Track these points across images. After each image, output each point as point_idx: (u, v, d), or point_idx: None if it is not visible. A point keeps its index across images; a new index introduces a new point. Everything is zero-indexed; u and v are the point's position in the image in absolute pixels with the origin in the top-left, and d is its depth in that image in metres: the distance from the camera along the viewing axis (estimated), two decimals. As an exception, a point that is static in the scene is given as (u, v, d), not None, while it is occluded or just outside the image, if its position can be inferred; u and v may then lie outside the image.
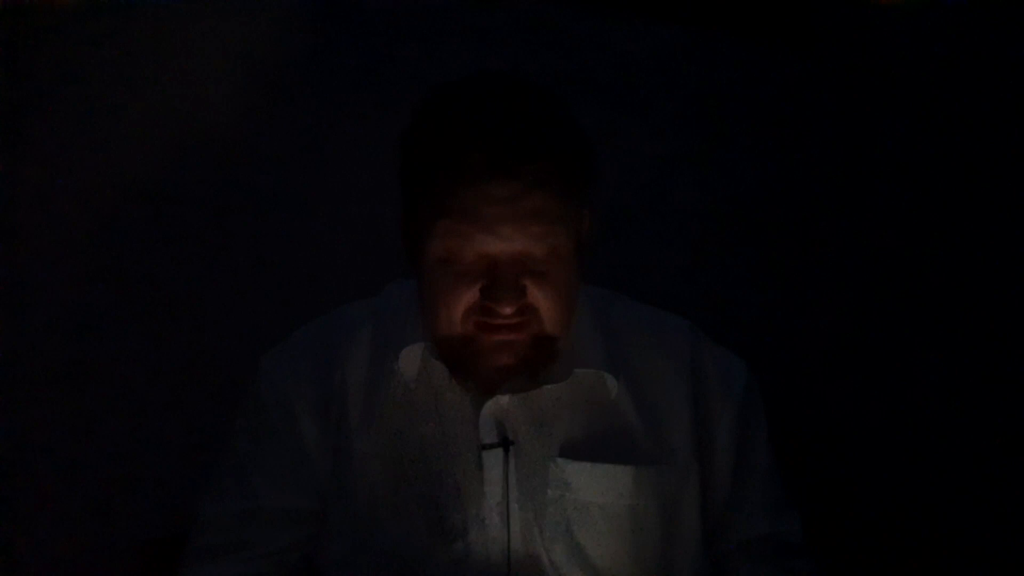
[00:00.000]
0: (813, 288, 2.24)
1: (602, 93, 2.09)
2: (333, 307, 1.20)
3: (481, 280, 0.99)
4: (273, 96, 1.85)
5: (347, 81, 1.90)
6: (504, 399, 1.07)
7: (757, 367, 1.19)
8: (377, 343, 1.13)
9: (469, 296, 1.00)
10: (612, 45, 2.12)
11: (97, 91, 1.72)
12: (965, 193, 2.02)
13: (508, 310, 0.99)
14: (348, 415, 1.11)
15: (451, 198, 0.97)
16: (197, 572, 1.12)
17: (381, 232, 1.34)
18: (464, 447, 1.08)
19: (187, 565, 1.13)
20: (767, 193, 2.27)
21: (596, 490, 1.08)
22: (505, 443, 1.07)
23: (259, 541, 1.11)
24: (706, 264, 2.21)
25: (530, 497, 1.07)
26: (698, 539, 1.12)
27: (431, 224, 1.00)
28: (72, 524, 1.68)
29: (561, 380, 1.08)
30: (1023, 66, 1.93)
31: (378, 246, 1.46)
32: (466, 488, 1.07)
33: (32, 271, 1.68)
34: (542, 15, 2.04)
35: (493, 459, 1.07)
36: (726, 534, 1.14)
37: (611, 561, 1.08)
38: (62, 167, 1.70)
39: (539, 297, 1.00)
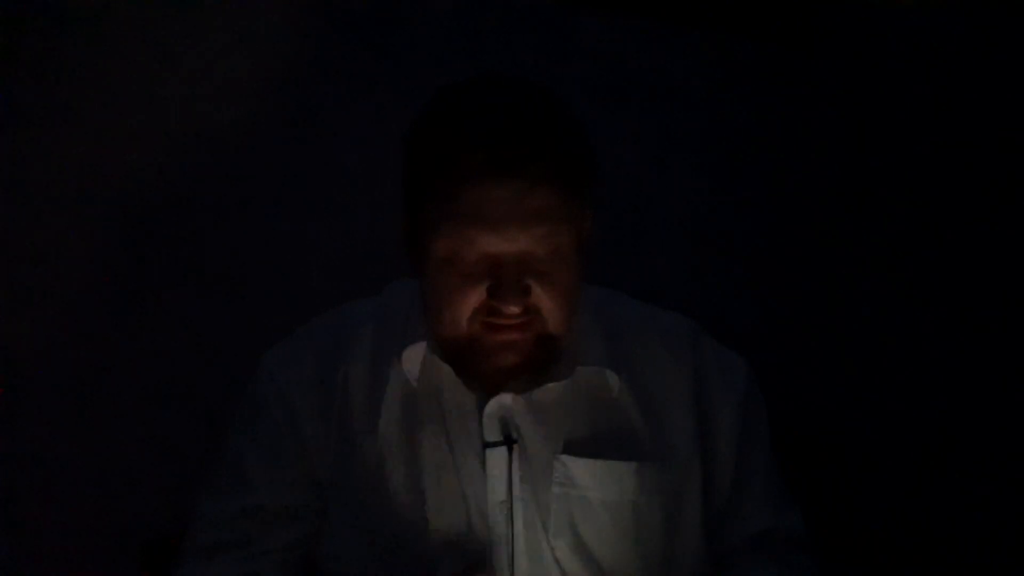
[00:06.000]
0: (813, 287, 2.25)
1: (602, 93, 2.09)
2: (335, 306, 1.20)
3: (486, 280, 0.99)
4: (274, 97, 1.85)
5: (348, 82, 1.90)
6: (507, 397, 1.08)
7: (757, 365, 1.19)
8: (379, 342, 1.13)
9: (474, 296, 1.00)
10: (613, 45, 2.12)
11: (97, 91, 1.72)
12: (966, 193, 2.02)
13: (514, 309, 0.99)
14: (350, 414, 1.11)
15: (455, 199, 0.97)
16: (196, 570, 1.11)
17: (382, 232, 1.34)
18: (467, 445, 1.08)
19: (186, 563, 1.12)
20: (767, 193, 2.27)
21: (600, 486, 1.08)
22: (509, 441, 1.07)
23: (258, 539, 1.11)
24: (706, 263, 2.21)
25: (534, 494, 1.07)
26: (700, 534, 1.12)
27: (435, 225, 1.00)
28: (72, 524, 1.68)
29: (564, 378, 1.08)
30: (1022, 67, 1.93)
31: (379, 245, 1.46)
32: (469, 486, 1.07)
33: (33, 270, 1.68)
34: (542, 15, 2.04)
35: (497, 457, 1.07)
36: (728, 529, 1.14)
37: (615, 556, 1.08)
38: (62, 168, 1.70)
39: (543, 297, 1.01)
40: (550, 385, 1.08)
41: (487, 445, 1.07)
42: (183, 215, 1.78)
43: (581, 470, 1.08)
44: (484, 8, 1.99)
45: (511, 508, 1.07)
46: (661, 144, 2.18)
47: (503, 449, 1.07)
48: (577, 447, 1.09)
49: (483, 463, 1.07)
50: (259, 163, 1.83)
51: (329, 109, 1.88)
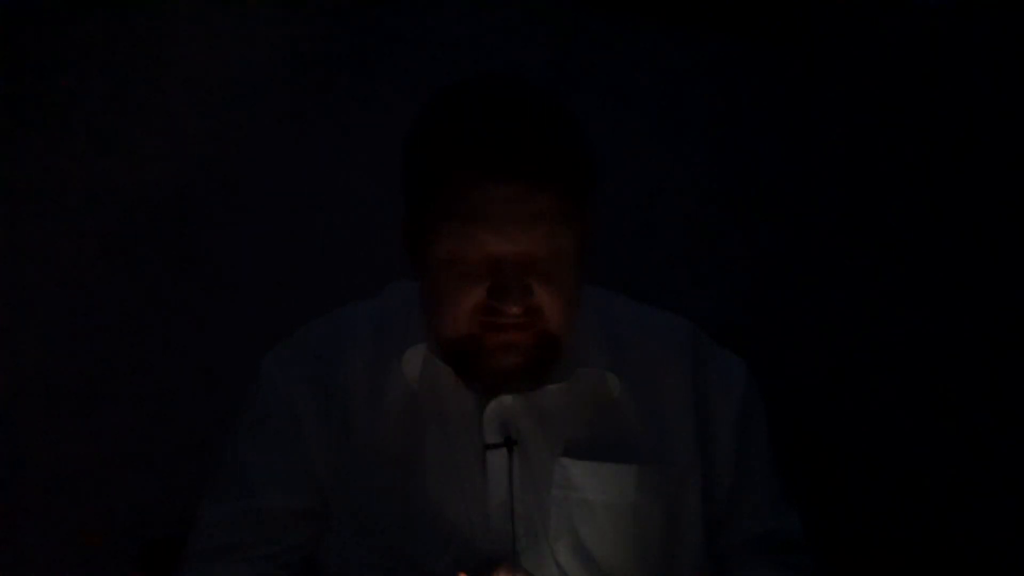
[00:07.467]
0: (812, 287, 2.25)
1: (602, 93, 2.09)
2: (334, 308, 1.20)
3: (487, 280, 0.99)
4: (274, 98, 1.85)
5: (347, 83, 1.90)
6: (507, 399, 1.08)
7: (757, 367, 1.19)
8: (379, 344, 1.13)
9: (475, 296, 1.00)
10: (612, 45, 2.12)
11: (98, 92, 1.72)
12: (967, 191, 2.02)
13: (516, 310, 0.99)
14: (350, 416, 1.11)
15: (456, 200, 0.97)
16: (198, 573, 1.11)
17: (382, 233, 1.34)
18: (468, 447, 1.08)
19: (188, 566, 1.12)
20: (766, 193, 2.27)
21: (600, 489, 1.08)
22: (509, 443, 1.07)
23: (260, 542, 1.10)
24: (706, 262, 2.21)
25: (534, 496, 1.07)
26: (700, 537, 1.12)
27: (436, 226, 1.00)
28: (72, 524, 1.68)
29: (564, 380, 1.08)
30: (1014, 63, 1.94)
31: (379, 247, 1.46)
32: (470, 488, 1.07)
33: (33, 271, 1.68)
34: (542, 15, 2.04)
35: (497, 459, 1.07)
36: (727, 531, 1.14)
37: (615, 559, 1.08)
38: (64, 169, 1.70)
39: (544, 297, 1.00)
40: (550, 387, 1.08)
41: (487, 447, 1.07)
42: (184, 216, 1.78)
43: (581, 472, 1.08)
44: (484, 8, 1.99)
45: (512, 510, 1.07)
46: (661, 144, 2.18)
47: (503, 451, 1.07)
48: (577, 449, 1.09)
49: (483, 465, 1.07)
50: (259, 164, 1.83)
51: (330, 109, 1.88)
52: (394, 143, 1.06)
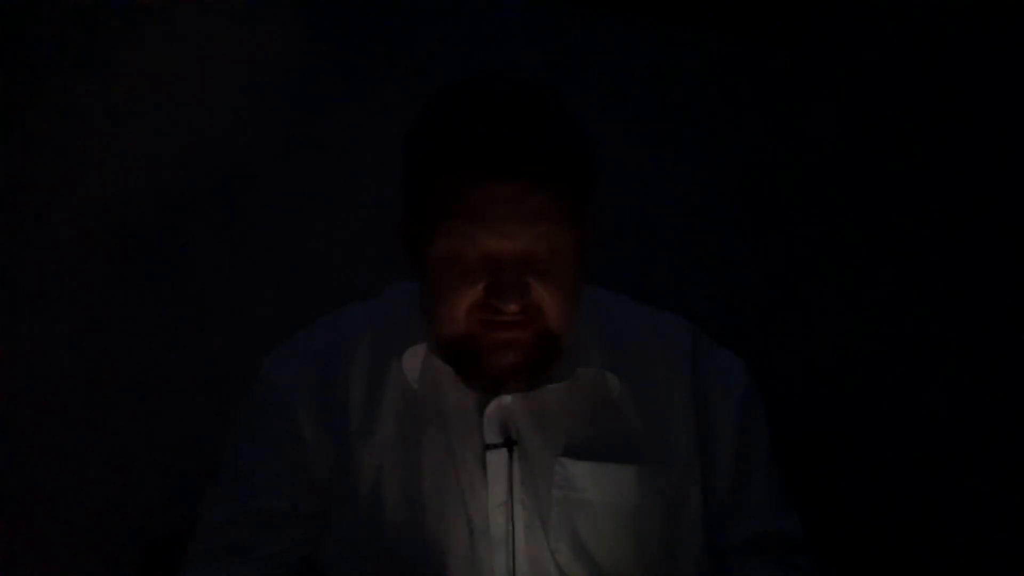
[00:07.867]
0: (812, 287, 2.24)
1: (602, 93, 2.09)
2: (334, 308, 1.20)
3: (485, 279, 0.99)
4: (274, 97, 1.85)
5: (348, 83, 1.90)
6: (507, 399, 1.08)
7: (756, 367, 1.19)
8: (379, 344, 1.13)
9: (473, 294, 1.00)
10: (612, 45, 2.12)
11: (98, 91, 1.72)
12: (968, 192, 2.02)
13: (513, 307, 0.99)
14: (350, 417, 1.11)
15: (455, 198, 0.97)
16: (199, 574, 1.11)
17: (382, 233, 1.34)
18: (468, 447, 1.08)
19: (188, 567, 1.12)
20: (766, 192, 2.27)
21: (600, 489, 1.08)
22: (509, 443, 1.07)
23: (260, 543, 1.11)
24: (706, 262, 2.21)
25: (534, 497, 1.07)
26: (701, 537, 1.12)
27: (435, 224, 1.00)
28: (72, 524, 1.68)
29: (563, 379, 1.08)
30: (1015, 63, 1.93)
31: (379, 247, 1.46)
32: (470, 488, 1.07)
33: (35, 270, 1.68)
34: (542, 15, 2.04)
35: (497, 459, 1.07)
36: (727, 532, 1.14)
37: (615, 559, 1.08)
38: (64, 168, 1.70)
39: (543, 295, 1.00)
40: (550, 386, 1.08)
41: (487, 447, 1.07)
42: (184, 216, 1.78)
43: (581, 473, 1.08)
44: (485, 8, 1.99)
45: (511, 510, 1.07)
46: (661, 144, 2.18)
47: (503, 451, 1.07)
48: (577, 449, 1.09)
49: (483, 465, 1.07)
50: (259, 164, 1.83)
51: (329, 109, 1.88)
52: (394, 143, 1.06)
